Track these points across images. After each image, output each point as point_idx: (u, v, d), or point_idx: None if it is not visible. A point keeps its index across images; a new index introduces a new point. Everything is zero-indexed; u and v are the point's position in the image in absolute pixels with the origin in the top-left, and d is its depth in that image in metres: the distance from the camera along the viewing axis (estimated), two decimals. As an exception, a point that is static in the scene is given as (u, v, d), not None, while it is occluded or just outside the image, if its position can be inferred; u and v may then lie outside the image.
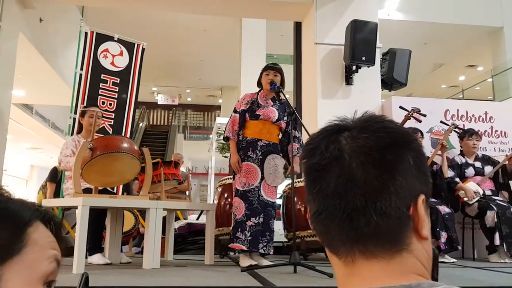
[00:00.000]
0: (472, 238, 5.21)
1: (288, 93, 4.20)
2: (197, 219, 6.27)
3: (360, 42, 5.64)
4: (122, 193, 5.32)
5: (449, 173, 5.16)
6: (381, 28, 5.99)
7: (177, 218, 6.21)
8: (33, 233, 0.64)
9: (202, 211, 6.06)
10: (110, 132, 5.87)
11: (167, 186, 4.51)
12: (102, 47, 6.08)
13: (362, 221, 0.64)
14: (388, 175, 0.65)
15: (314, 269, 3.16)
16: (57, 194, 5.90)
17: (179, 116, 22.02)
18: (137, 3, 7.17)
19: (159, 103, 21.37)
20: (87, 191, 3.87)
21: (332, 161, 0.68)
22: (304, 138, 4.12)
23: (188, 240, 5.82)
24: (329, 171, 0.67)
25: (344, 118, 0.73)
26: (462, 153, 5.40)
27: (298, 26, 7.17)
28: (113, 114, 6.03)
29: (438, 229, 4.62)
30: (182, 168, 8.02)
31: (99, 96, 5.93)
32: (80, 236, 3.31)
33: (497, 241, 4.69)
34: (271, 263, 3.74)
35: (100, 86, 5.98)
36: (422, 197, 0.67)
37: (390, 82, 6.28)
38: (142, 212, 5.03)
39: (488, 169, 5.28)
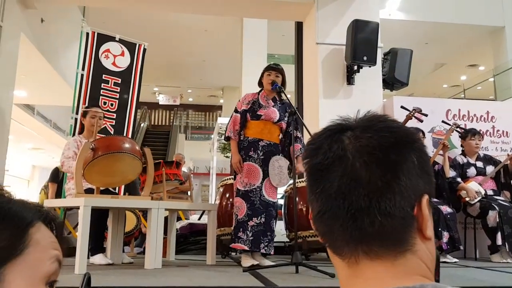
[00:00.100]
0: (474, 238, 5.20)
1: (289, 93, 4.21)
2: (199, 219, 6.27)
3: (362, 42, 5.64)
4: (125, 194, 5.32)
5: (450, 173, 5.16)
6: (382, 28, 5.99)
7: (179, 218, 6.21)
8: (35, 234, 0.64)
9: (203, 211, 6.07)
10: (112, 132, 5.88)
11: (168, 187, 4.51)
12: (103, 47, 6.08)
13: (366, 221, 0.64)
14: (392, 175, 0.64)
15: (316, 269, 3.16)
16: (59, 194, 5.90)
17: (180, 116, 22.05)
18: (138, 4, 7.17)
19: (160, 103, 21.40)
20: (89, 191, 3.87)
21: (335, 161, 0.67)
22: (306, 138, 4.12)
23: (190, 240, 5.82)
24: (332, 171, 0.67)
25: (346, 118, 0.72)
26: (463, 153, 5.39)
27: (299, 26, 7.17)
28: (115, 115, 6.03)
29: (440, 229, 4.61)
30: (184, 168, 8.02)
31: (100, 97, 5.94)
32: (82, 237, 3.31)
33: (499, 241, 4.68)
34: (273, 263, 3.74)
35: (102, 87, 5.99)
36: (426, 197, 0.66)
37: (391, 82, 6.27)
38: (144, 212, 5.03)
39: (490, 169, 5.27)
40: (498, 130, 5.94)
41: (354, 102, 5.79)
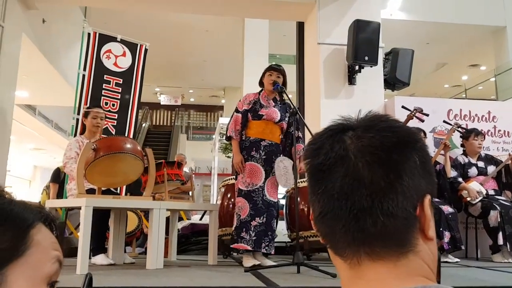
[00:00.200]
0: (476, 238, 5.20)
1: (290, 93, 4.21)
2: (200, 219, 6.27)
3: (363, 42, 5.63)
4: (126, 194, 5.32)
5: (452, 173, 5.16)
6: (383, 28, 5.99)
7: (180, 219, 6.21)
8: (36, 235, 0.64)
9: (205, 211, 6.07)
10: (113, 132, 5.89)
11: (170, 187, 4.52)
12: (105, 47, 6.09)
13: (368, 221, 0.63)
14: (395, 175, 0.64)
15: (318, 269, 3.16)
16: (60, 194, 5.91)
17: (182, 117, 22.06)
18: (140, 4, 7.17)
19: (162, 103, 21.44)
20: (90, 191, 3.88)
21: (337, 161, 0.66)
22: (307, 138, 4.12)
23: (191, 241, 5.82)
24: (334, 171, 0.66)
25: (348, 118, 0.72)
26: (465, 153, 5.39)
27: (300, 26, 7.17)
28: (116, 115, 6.04)
29: (441, 229, 4.61)
30: (185, 169, 8.02)
31: (102, 97, 5.95)
32: (83, 237, 3.32)
33: (500, 241, 4.68)
34: (274, 263, 3.74)
35: (103, 87, 6.00)
36: (428, 197, 0.66)
37: (393, 82, 6.27)
38: (146, 212, 5.03)
39: (491, 168, 5.27)
40: (499, 130, 5.94)
41: (356, 102, 5.79)
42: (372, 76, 5.96)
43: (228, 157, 10.95)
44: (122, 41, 6.24)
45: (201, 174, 12.44)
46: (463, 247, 4.76)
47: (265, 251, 3.87)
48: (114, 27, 8.55)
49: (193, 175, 6.73)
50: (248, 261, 3.77)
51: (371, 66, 5.80)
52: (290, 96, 4.08)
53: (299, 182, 4.03)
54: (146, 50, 6.39)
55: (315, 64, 6.11)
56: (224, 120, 9.57)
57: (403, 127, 0.69)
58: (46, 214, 0.69)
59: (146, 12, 11.18)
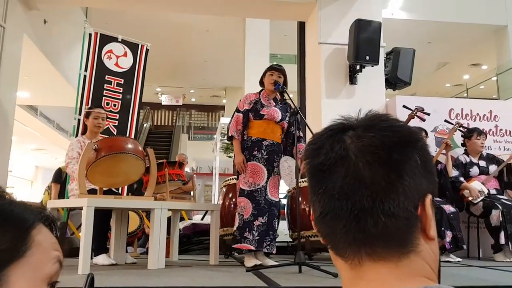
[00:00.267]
0: (477, 237, 5.20)
1: (291, 92, 4.21)
2: (202, 219, 6.27)
3: (364, 41, 5.63)
4: (128, 194, 5.33)
5: (453, 172, 5.16)
6: (385, 27, 5.98)
7: (181, 219, 6.21)
8: (36, 235, 0.64)
9: (206, 211, 6.07)
10: (115, 133, 5.89)
11: (171, 187, 4.52)
12: (106, 48, 6.09)
13: (369, 222, 0.63)
14: (396, 175, 0.63)
15: (319, 269, 3.16)
16: (62, 195, 5.92)
17: (183, 117, 22.06)
18: (141, 4, 7.17)
19: (163, 103, 21.44)
20: (92, 192, 3.88)
21: (337, 161, 0.66)
22: (308, 138, 4.12)
23: (193, 241, 5.83)
24: (334, 171, 0.66)
25: (348, 117, 0.71)
26: (466, 152, 5.38)
27: (301, 26, 7.17)
28: (118, 115, 6.04)
29: (443, 229, 4.61)
30: (187, 169, 8.03)
31: (103, 97, 5.95)
32: (85, 237, 3.32)
33: (502, 240, 4.67)
34: (276, 263, 3.75)
35: (105, 87, 6.00)
36: (429, 196, 0.66)
37: (394, 81, 6.26)
38: (147, 212, 5.04)
39: (493, 168, 5.26)
40: (501, 129, 5.93)
41: (357, 101, 5.79)
42: (373, 76, 5.96)
43: (230, 157, 10.96)
44: (123, 42, 6.24)
45: (203, 174, 12.45)
46: (464, 247, 4.76)
47: (267, 251, 3.87)
48: (115, 27, 8.56)
49: (195, 175, 6.72)
50: (250, 261, 3.77)
51: (372, 66, 5.79)
52: (291, 95, 4.08)
53: (300, 182, 4.04)
54: (147, 50, 6.39)
55: (316, 64, 6.11)
56: (225, 120, 9.56)
57: (403, 126, 0.69)
58: (46, 214, 0.69)
59: (147, 13, 11.18)
